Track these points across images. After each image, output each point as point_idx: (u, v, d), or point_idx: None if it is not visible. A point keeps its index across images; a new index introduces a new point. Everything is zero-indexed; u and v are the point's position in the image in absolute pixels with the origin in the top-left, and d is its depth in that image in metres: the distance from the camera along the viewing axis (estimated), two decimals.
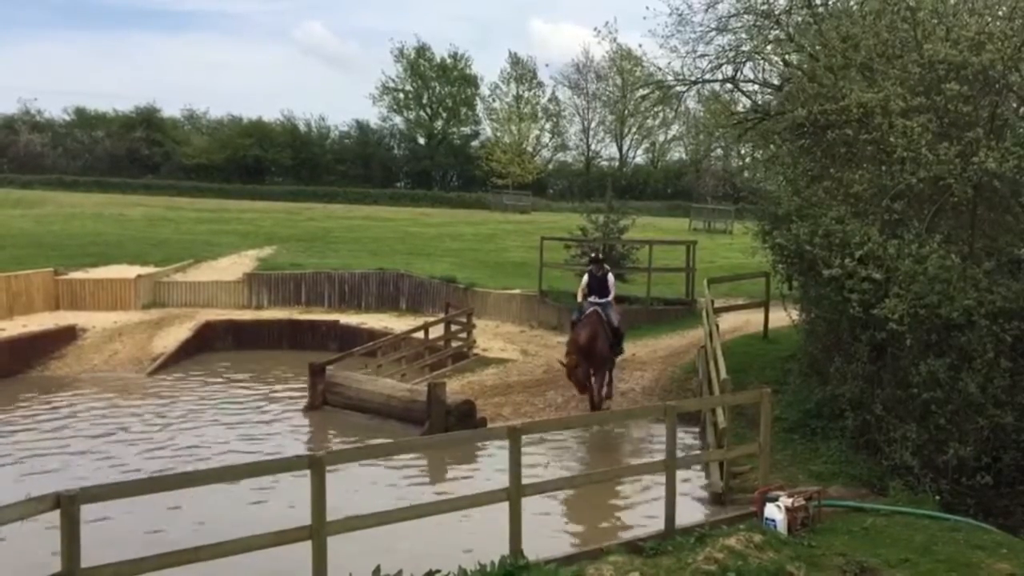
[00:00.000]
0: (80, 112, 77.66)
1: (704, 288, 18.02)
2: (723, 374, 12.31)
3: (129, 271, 25.77)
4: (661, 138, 79.50)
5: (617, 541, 9.01)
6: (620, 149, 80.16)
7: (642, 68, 79.31)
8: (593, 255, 15.82)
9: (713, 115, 19.47)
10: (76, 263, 26.32)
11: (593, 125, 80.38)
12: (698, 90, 18.70)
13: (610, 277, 15.61)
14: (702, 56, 17.01)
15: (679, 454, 9.81)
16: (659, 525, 9.20)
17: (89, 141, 73.87)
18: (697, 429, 14.57)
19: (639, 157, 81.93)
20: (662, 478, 9.46)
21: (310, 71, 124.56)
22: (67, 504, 6.16)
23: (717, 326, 15.43)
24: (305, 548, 7.26)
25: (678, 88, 18.43)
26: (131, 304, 24.30)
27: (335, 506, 7.51)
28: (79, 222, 39.78)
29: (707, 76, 17.31)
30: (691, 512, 10.58)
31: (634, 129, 78.89)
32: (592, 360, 14.83)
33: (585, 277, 16.01)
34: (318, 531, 7.07)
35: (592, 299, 15.43)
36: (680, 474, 9.83)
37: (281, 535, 7.31)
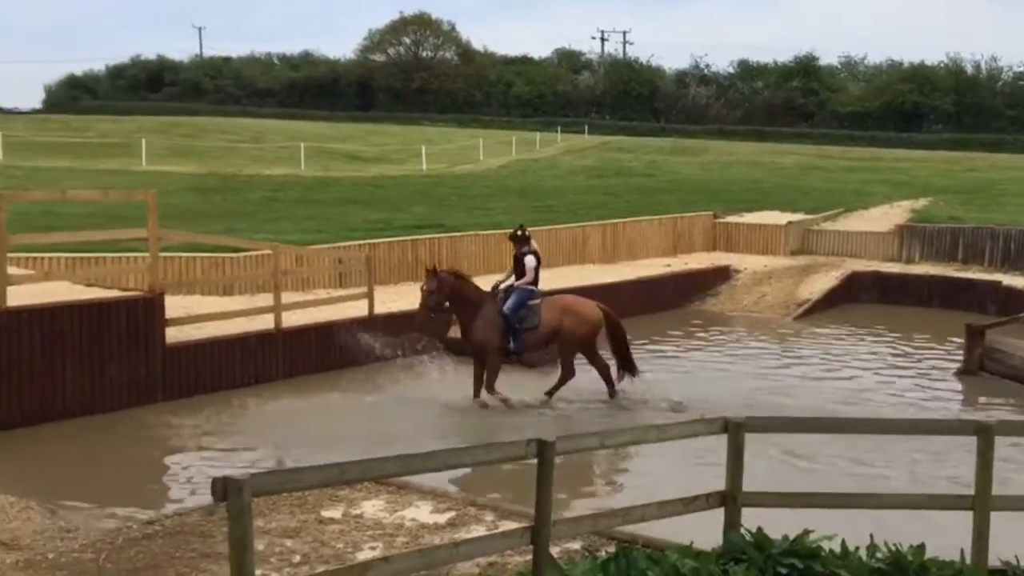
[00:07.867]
0: (743, 64, 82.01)
1: None
2: None
3: (780, 217, 26.63)
4: None
5: None
6: None
7: None
8: (513, 231, 13.92)
9: None
10: (731, 208, 28.04)
11: None
12: None
13: (528, 259, 13.40)
14: None
15: None
16: None
17: (749, 92, 77.60)
18: None
19: None
20: None
21: (976, 9, 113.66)
22: (734, 430, 6.61)
23: None
24: (954, 517, 6.73)
25: None
26: (780, 249, 25.15)
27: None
28: (735, 169, 42.22)
29: None
30: None
31: None
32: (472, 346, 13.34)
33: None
34: (982, 502, 6.53)
35: (505, 283, 13.53)
36: None
37: (937, 499, 6.96)
